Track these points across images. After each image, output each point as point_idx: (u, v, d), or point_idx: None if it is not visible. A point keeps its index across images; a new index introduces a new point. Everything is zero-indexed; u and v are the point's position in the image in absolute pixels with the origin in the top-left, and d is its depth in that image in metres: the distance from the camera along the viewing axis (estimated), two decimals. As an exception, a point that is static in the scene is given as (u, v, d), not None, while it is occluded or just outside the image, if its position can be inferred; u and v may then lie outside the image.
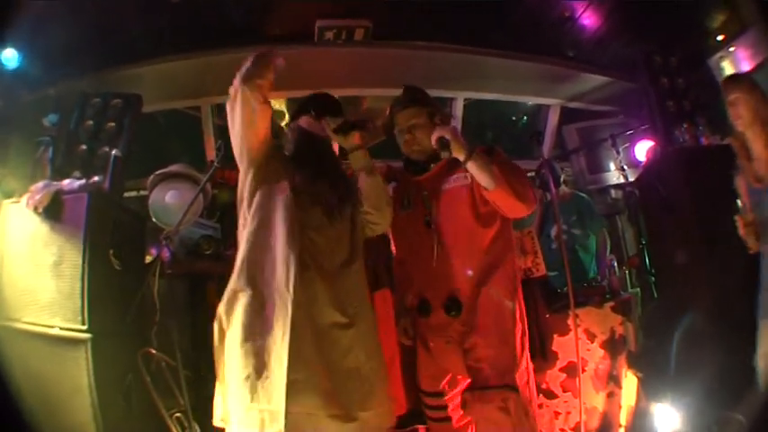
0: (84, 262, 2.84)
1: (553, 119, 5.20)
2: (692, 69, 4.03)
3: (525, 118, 5.91)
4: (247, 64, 2.26)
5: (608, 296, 3.94)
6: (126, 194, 4.12)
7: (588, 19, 4.21)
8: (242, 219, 2.37)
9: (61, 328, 2.79)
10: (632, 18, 4.14)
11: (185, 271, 3.61)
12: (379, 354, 2.37)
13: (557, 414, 3.55)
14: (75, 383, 2.75)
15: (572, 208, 4.66)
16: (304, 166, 2.40)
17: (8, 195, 3.13)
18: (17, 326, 2.84)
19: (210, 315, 3.69)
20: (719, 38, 4.16)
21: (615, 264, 4.58)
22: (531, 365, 2.69)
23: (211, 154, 4.75)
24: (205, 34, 4.05)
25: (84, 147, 3.55)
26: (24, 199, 2.93)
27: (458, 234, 2.64)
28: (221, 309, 2.27)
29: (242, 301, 2.20)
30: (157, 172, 3.56)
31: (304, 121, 2.52)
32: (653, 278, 3.98)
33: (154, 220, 3.54)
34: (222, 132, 4.84)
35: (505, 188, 2.43)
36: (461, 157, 2.47)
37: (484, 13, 4.04)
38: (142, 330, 3.15)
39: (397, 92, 2.84)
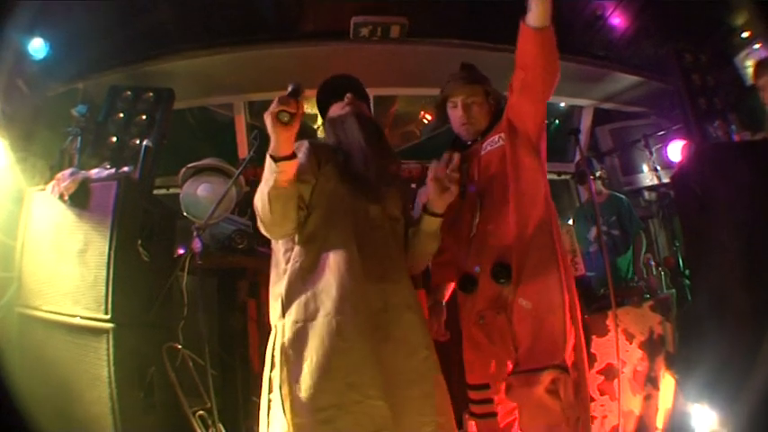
0: (110, 250, 2.70)
1: (586, 120, 5.00)
2: (721, 67, 3.87)
3: (557, 121, 5.70)
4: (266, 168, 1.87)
5: (646, 296, 3.72)
6: (156, 192, 3.97)
7: (618, 18, 4.01)
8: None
9: (83, 317, 2.64)
10: (660, 17, 3.94)
11: (217, 265, 3.42)
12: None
13: (593, 418, 3.23)
14: (94, 374, 2.60)
15: (611, 208, 4.41)
16: (352, 151, 2.16)
17: (34, 183, 3.04)
18: (36, 313, 2.72)
19: (240, 314, 3.53)
20: (745, 35, 3.98)
21: (653, 263, 4.30)
22: (582, 342, 2.35)
23: (243, 152, 4.57)
24: (238, 30, 3.87)
25: (114, 139, 3.45)
26: (50, 186, 2.82)
27: (497, 197, 2.39)
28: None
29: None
30: (189, 165, 3.38)
31: (333, 111, 2.30)
32: (687, 280, 3.77)
33: (185, 213, 3.35)
34: (253, 128, 4.72)
35: (553, 38, 2.13)
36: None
37: (520, 11, 3.83)
38: (168, 324, 3.02)
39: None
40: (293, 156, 1.82)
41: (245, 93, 4.44)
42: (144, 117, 3.48)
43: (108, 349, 2.59)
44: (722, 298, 3.09)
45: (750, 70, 3.80)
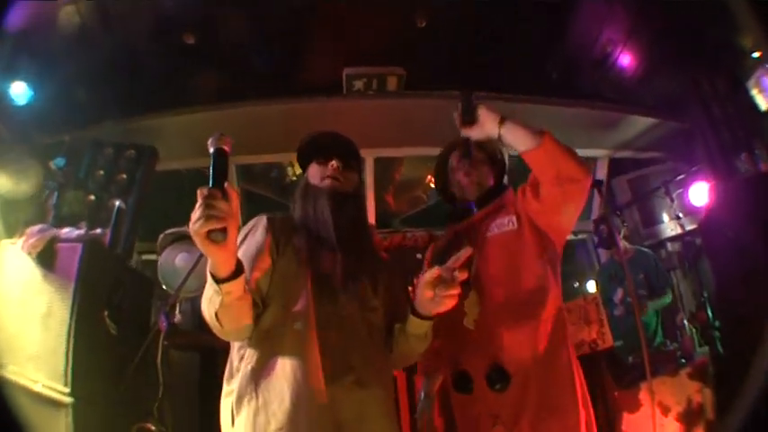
0: (71, 319, 2.52)
1: (601, 172, 4.72)
2: (737, 92, 3.62)
3: None
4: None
5: (682, 361, 3.35)
6: (145, 257, 3.82)
7: (627, 55, 3.83)
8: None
9: (44, 386, 2.43)
10: (669, 48, 3.73)
11: (190, 343, 3.11)
12: None
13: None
14: None
15: (637, 266, 4.03)
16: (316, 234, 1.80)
17: (10, 234, 2.85)
18: (2, 371, 2.44)
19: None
20: (755, 55, 3.71)
21: (686, 323, 3.92)
22: None
23: None
24: (231, 85, 3.71)
25: (92, 197, 3.27)
26: (20, 241, 2.67)
27: (503, 288, 2.03)
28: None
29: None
30: (168, 231, 3.16)
31: (312, 174, 1.91)
32: (717, 332, 3.43)
33: (162, 283, 3.09)
34: (248, 196, 4.53)
35: (553, 145, 1.86)
36: (491, 122, 1.93)
37: (524, 59, 3.75)
38: (141, 402, 2.72)
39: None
40: (238, 272, 1.46)
41: (237, 155, 4.13)
42: (124, 176, 3.31)
43: (67, 424, 2.38)
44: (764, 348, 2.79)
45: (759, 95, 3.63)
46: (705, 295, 3.64)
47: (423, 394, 2.27)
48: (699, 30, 3.51)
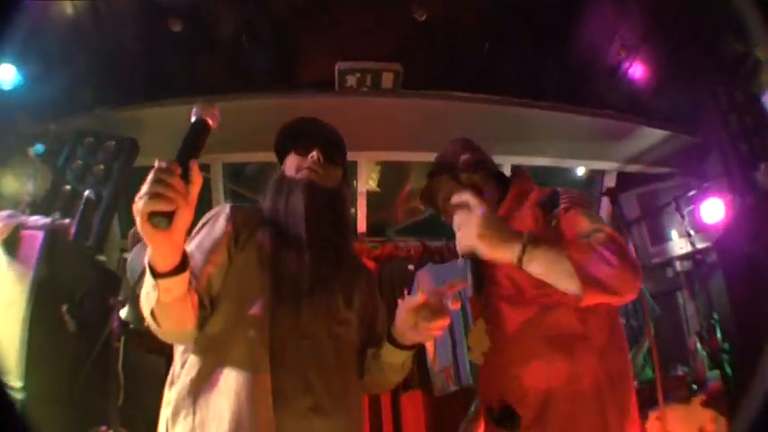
0: (27, 311, 2.42)
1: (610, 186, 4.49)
2: (755, 105, 3.50)
3: None
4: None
5: (694, 387, 3.12)
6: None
7: (640, 65, 3.72)
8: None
9: None
10: (683, 59, 3.61)
11: (146, 347, 2.90)
12: None
13: None
14: None
15: None
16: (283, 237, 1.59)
17: None
18: None
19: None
20: None
21: (699, 345, 3.69)
22: None
23: None
24: (217, 80, 3.62)
25: (68, 187, 3.12)
26: None
27: (510, 320, 1.74)
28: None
29: None
30: (139, 227, 3.05)
31: (288, 166, 1.72)
32: (726, 354, 3.25)
33: (130, 281, 2.92)
34: (234, 196, 4.42)
35: (594, 287, 1.35)
36: (507, 258, 1.40)
37: (531, 62, 3.63)
38: (100, 406, 2.57)
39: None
40: (182, 268, 1.25)
41: (223, 153, 4.04)
42: (101, 167, 3.15)
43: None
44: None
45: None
46: (715, 317, 3.45)
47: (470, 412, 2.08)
48: (715, 40, 3.40)
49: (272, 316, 1.46)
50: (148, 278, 1.25)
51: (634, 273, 1.41)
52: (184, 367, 1.46)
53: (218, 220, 1.56)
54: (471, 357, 1.86)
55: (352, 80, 3.54)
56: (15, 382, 2.30)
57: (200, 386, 1.41)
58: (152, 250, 1.20)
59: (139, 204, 1.10)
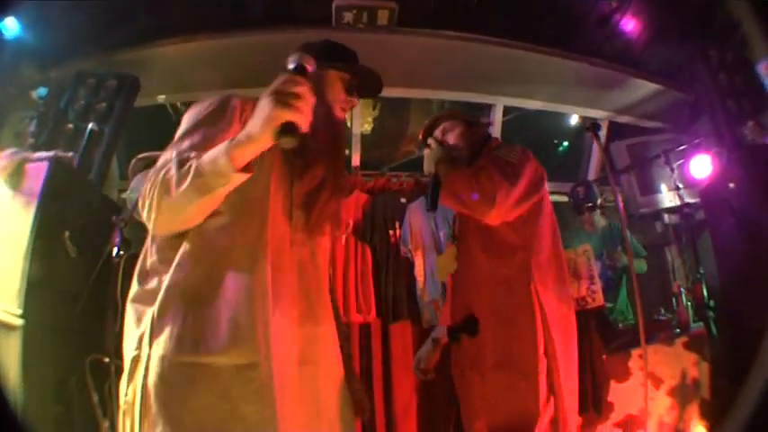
0: (31, 236, 2.46)
1: (601, 135, 4.47)
2: (747, 71, 3.51)
3: (566, 144, 5.40)
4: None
5: (677, 331, 3.20)
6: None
7: (633, 17, 3.71)
8: None
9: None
10: (678, 16, 3.63)
11: None
12: None
13: (608, 477, 2.73)
14: (3, 374, 2.26)
15: (613, 239, 4.05)
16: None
17: None
18: None
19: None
20: None
21: (684, 291, 3.74)
22: (570, 421, 2.03)
23: None
24: (214, 17, 3.59)
25: (71, 126, 3.23)
26: None
27: (468, 240, 2.23)
28: None
29: None
30: (140, 156, 3.14)
31: (329, 89, 1.71)
32: (712, 312, 3.28)
33: (130, 210, 3.05)
34: None
35: (450, 197, 2.10)
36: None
37: (524, 3, 3.61)
38: (98, 334, 2.64)
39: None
40: (250, 167, 1.32)
41: (218, 89, 3.89)
42: (104, 104, 3.26)
43: (18, 348, 2.32)
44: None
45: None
46: (701, 272, 3.49)
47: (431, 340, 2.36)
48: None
49: (273, 221, 1.47)
50: (218, 170, 1.28)
51: (485, 200, 1.98)
52: (171, 266, 1.41)
53: (226, 113, 1.52)
54: (438, 276, 2.29)
55: (348, 17, 3.58)
56: (16, 309, 2.37)
57: (195, 286, 1.39)
58: (252, 148, 1.28)
59: (273, 110, 1.20)
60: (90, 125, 3.10)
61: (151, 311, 1.39)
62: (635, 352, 2.94)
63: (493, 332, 2.07)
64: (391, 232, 4.12)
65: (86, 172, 3.02)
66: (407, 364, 3.70)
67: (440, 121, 2.40)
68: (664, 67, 4.02)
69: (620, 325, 3.34)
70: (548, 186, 2.23)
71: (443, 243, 3.89)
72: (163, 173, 1.34)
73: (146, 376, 1.36)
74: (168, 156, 1.39)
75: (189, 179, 1.30)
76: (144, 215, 1.39)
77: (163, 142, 1.52)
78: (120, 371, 1.46)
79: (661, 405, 2.94)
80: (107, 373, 2.57)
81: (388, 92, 4.29)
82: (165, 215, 1.36)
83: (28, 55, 3.32)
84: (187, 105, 4.05)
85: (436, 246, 3.93)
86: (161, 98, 4.04)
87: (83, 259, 2.67)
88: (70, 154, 2.93)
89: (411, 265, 3.97)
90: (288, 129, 1.17)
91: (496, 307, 2.09)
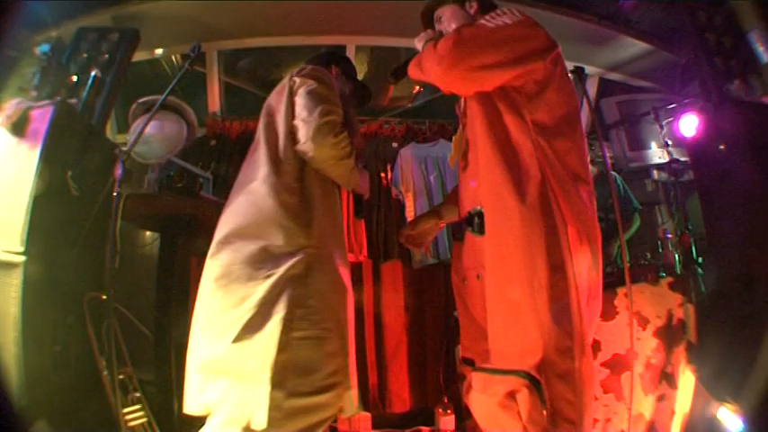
0: (35, 176, 2.53)
1: (591, 91, 4.65)
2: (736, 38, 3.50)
3: None
4: None
5: (662, 274, 3.21)
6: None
7: None
8: None
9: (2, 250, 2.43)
10: None
11: (153, 210, 3.12)
12: None
13: (594, 421, 2.78)
14: (3, 313, 2.36)
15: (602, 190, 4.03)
16: None
17: None
18: None
19: (180, 272, 3.18)
20: None
21: (669, 236, 3.79)
22: (581, 342, 1.73)
23: (214, 105, 4.29)
24: None
25: (74, 78, 3.29)
26: None
27: (473, 139, 1.98)
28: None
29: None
30: (141, 100, 3.20)
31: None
32: (700, 269, 3.32)
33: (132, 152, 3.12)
34: (228, 89, 4.49)
35: (414, 66, 2.06)
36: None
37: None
38: (97, 272, 2.72)
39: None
40: None
41: (218, 40, 4.14)
42: (106, 56, 3.32)
43: (18, 284, 2.37)
44: (748, 283, 2.69)
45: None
46: (690, 228, 3.55)
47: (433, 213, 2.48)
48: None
49: None
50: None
51: (440, 60, 1.84)
52: (304, 179, 1.97)
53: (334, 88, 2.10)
54: (451, 162, 2.22)
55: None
56: (18, 247, 2.42)
57: (317, 195, 1.96)
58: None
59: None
60: (93, 72, 3.18)
61: (301, 212, 1.97)
62: (621, 290, 2.88)
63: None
64: (383, 174, 4.21)
65: (89, 117, 3.07)
66: (398, 302, 3.85)
67: (431, 8, 2.27)
68: (654, 27, 4.08)
69: (608, 269, 3.33)
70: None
71: (434, 186, 3.94)
72: None
73: (307, 262, 1.91)
74: None
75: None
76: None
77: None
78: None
79: (647, 346, 2.94)
80: (105, 311, 2.65)
81: (380, 41, 4.47)
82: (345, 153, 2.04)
83: (29, 16, 3.42)
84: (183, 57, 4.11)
85: (426, 188, 4.00)
86: (158, 52, 4.07)
87: (85, 198, 2.75)
88: (74, 100, 3.06)
89: (402, 206, 4.05)
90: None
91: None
